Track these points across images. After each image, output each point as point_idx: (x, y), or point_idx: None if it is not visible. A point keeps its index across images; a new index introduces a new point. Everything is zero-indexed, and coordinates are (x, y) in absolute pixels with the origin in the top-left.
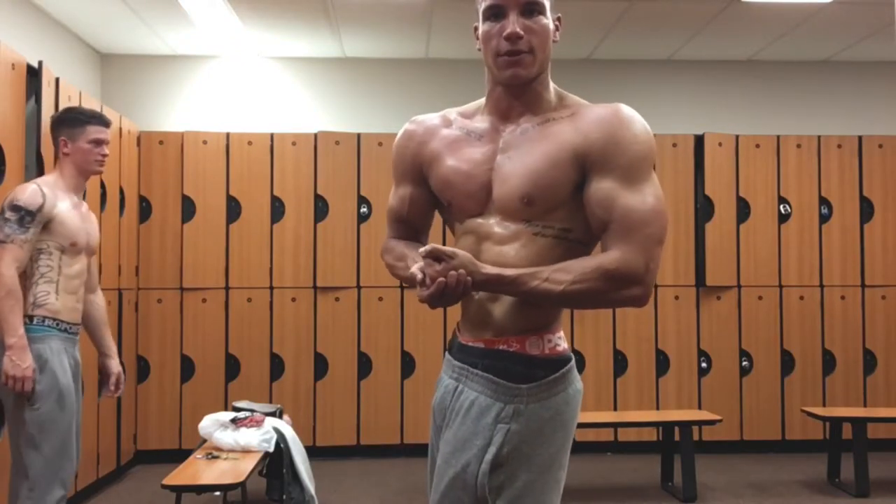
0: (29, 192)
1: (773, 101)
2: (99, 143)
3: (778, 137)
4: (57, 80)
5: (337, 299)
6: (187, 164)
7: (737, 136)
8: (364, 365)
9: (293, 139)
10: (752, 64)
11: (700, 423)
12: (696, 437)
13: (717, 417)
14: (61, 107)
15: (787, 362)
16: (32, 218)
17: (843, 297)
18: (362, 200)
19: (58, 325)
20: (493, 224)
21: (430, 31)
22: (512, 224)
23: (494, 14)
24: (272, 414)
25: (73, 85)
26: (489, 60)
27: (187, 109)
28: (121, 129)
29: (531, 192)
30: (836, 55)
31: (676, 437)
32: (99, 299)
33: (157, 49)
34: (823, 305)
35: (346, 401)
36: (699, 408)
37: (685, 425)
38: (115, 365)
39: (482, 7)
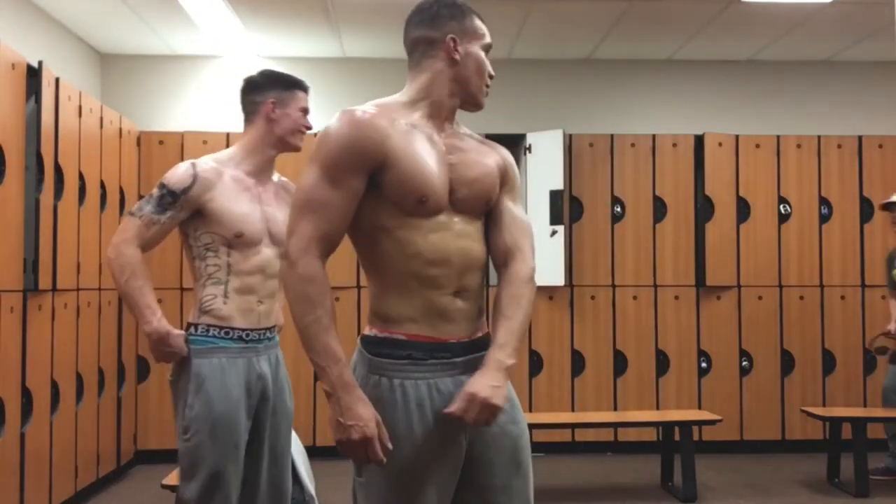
0: (179, 172)
1: (773, 101)
2: (307, 112)
3: (778, 137)
4: (57, 80)
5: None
6: None
7: (737, 136)
8: None
9: None
10: (752, 64)
11: (700, 423)
12: (696, 437)
13: (717, 417)
14: (61, 107)
15: (787, 362)
16: (174, 200)
17: (843, 297)
18: None
19: (227, 333)
20: (460, 221)
21: None
22: (474, 220)
23: (487, 51)
24: None
25: (73, 85)
26: (478, 82)
27: (187, 109)
28: (121, 129)
29: (492, 195)
30: (836, 55)
31: (676, 437)
32: None
33: (158, 49)
34: (823, 305)
35: None
36: (699, 408)
37: (685, 425)
38: None
39: (484, 41)
